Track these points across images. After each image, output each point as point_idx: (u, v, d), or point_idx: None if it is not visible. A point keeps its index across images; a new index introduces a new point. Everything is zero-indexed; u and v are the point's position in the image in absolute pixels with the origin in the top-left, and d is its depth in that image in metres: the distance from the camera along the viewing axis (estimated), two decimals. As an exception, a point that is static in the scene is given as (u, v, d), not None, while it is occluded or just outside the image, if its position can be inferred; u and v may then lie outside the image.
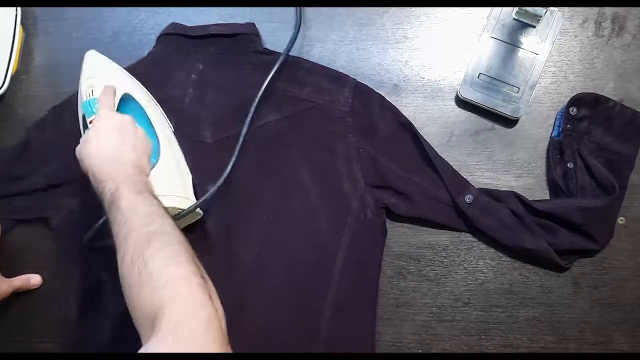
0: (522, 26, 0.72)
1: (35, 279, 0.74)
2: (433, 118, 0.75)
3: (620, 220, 0.71)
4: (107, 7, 0.80)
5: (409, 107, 0.75)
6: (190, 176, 0.70)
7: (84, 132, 0.67)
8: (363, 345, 0.69)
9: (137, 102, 0.68)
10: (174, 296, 0.45)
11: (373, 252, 0.71)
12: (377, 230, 0.71)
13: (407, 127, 0.72)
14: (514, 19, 0.72)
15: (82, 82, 0.68)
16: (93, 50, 0.70)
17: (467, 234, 0.72)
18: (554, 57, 0.74)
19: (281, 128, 0.72)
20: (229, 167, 0.67)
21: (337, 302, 0.68)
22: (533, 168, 0.73)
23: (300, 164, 0.71)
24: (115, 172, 0.57)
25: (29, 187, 0.74)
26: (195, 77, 0.74)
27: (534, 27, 0.72)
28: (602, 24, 0.75)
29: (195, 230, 0.70)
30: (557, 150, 0.72)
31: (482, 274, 0.72)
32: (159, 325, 0.44)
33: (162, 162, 0.66)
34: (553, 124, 0.73)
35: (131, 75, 0.71)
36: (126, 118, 0.63)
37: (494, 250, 0.72)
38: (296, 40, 0.75)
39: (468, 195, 0.70)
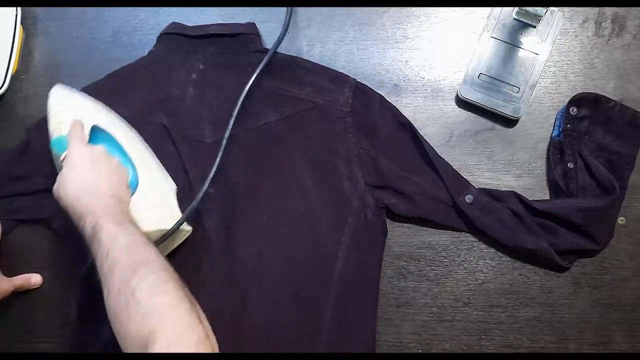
0: (522, 26, 0.72)
1: (35, 279, 0.74)
2: (433, 118, 0.75)
3: (621, 220, 0.71)
4: (107, 7, 0.80)
5: (409, 107, 0.75)
6: (174, 190, 0.69)
7: (59, 172, 0.64)
8: (363, 345, 0.69)
9: (107, 132, 0.67)
10: (163, 322, 0.47)
11: (373, 252, 0.71)
12: (377, 230, 0.71)
13: (407, 127, 0.72)
14: (514, 19, 0.72)
15: (50, 121, 0.67)
16: (58, 85, 0.69)
17: (467, 234, 0.72)
18: (554, 57, 0.74)
19: (281, 128, 0.72)
20: (212, 173, 0.66)
21: (337, 302, 0.68)
22: (533, 168, 0.73)
23: (300, 164, 0.71)
24: (93, 205, 0.57)
25: (29, 188, 0.74)
26: (195, 77, 0.74)
27: (534, 27, 0.72)
28: (603, 24, 0.75)
29: (196, 231, 0.70)
30: (557, 150, 0.72)
31: (482, 274, 0.72)
32: (152, 347, 0.45)
33: (141, 186, 0.66)
34: (553, 123, 0.73)
35: (97, 102, 0.69)
36: (97, 149, 0.63)
37: (494, 250, 0.72)
38: (296, 40, 0.75)
39: (468, 196, 0.70)
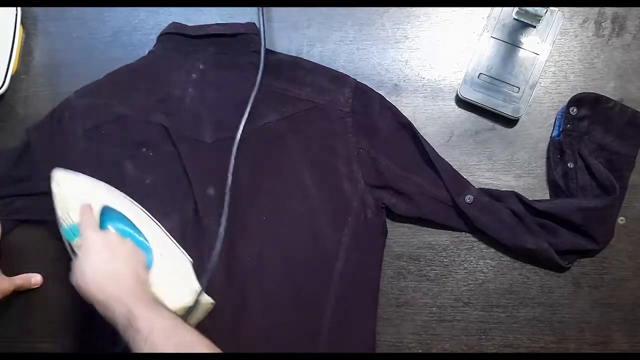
0: (522, 26, 0.72)
1: (36, 278, 0.74)
2: (433, 118, 0.75)
3: (621, 220, 0.71)
4: (107, 7, 0.80)
5: (409, 107, 0.75)
6: (190, 263, 0.67)
7: (73, 258, 0.63)
8: (363, 345, 0.69)
9: (118, 211, 0.66)
10: None
11: (373, 252, 0.71)
12: (377, 230, 0.71)
13: (407, 127, 0.72)
14: (514, 19, 0.72)
15: (56, 207, 0.66)
16: (58, 170, 0.67)
17: (467, 234, 0.72)
18: (554, 57, 0.74)
19: (281, 128, 0.72)
20: (226, 205, 0.66)
21: (337, 302, 0.68)
22: (533, 168, 0.73)
23: (300, 164, 0.71)
24: (119, 294, 0.56)
25: (29, 189, 0.74)
26: (195, 77, 0.74)
27: (534, 27, 0.72)
28: (602, 24, 0.75)
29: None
30: (557, 150, 0.72)
31: (482, 274, 0.72)
32: None
33: (157, 263, 0.64)
34: (553, 123, 0.73)
35: (100, 182, 0.68)
36: (110, 234, 0.63)
37: (494, 250, 0.72)
38: (295, 40, 0.75)
39: (468, 196, 0.70)
